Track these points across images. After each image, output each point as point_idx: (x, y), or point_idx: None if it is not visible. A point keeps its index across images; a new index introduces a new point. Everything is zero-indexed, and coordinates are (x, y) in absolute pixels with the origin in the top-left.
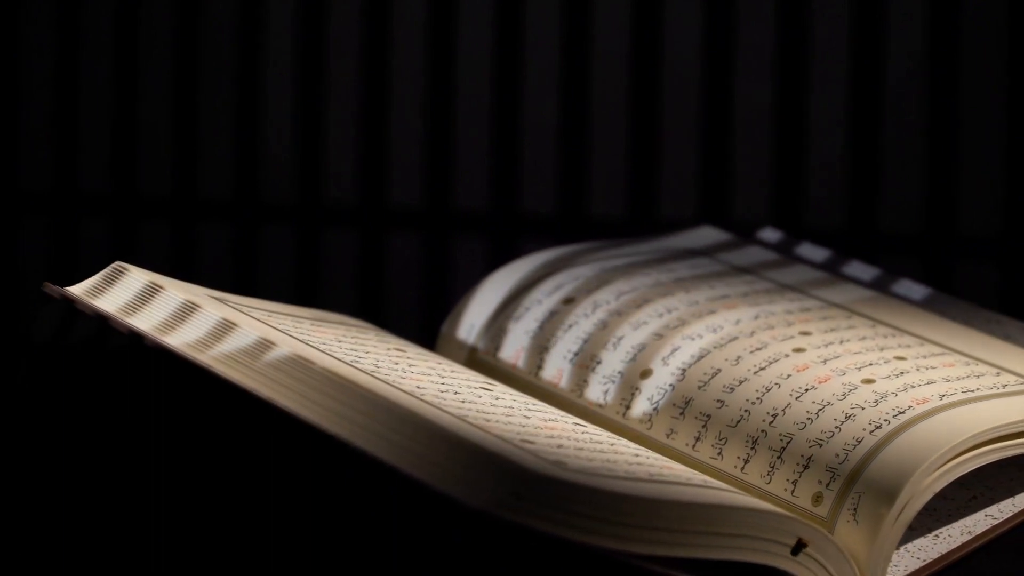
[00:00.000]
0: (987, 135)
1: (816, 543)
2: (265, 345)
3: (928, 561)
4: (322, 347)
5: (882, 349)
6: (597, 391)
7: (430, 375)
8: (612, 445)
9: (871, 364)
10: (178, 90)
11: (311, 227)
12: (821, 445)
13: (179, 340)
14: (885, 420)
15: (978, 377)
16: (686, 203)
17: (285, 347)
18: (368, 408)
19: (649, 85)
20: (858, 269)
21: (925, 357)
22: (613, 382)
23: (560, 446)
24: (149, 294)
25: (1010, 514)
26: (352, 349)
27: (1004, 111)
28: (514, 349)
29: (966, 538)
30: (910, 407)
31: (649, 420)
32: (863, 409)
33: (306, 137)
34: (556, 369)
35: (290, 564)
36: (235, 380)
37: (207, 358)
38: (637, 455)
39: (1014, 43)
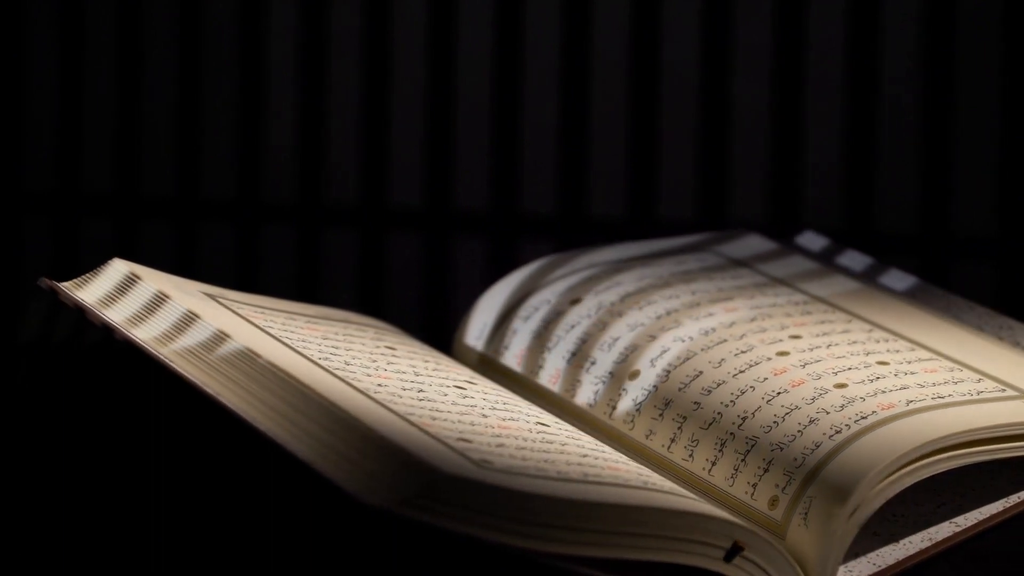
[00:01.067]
0: (982, 136)
1: (756, 547)
2: (220, 338)
3: (883, 567)
4: (297, 343)
5: (867, 354)
6: (588, 392)
7: (405, 373)
8: (563, 446)
9: (850, 369)
10: (181, 91)
11: (312, 227)
12: (782, 449)
13: (146, 333)
14: (846, 425)
15: (956, 383)
16: (684, 204)
17: (239, 340)
18: (300, 402)
19: (648, 87)
20: (896, 279)
21: (909, 363)
22: (604, 383)
23: (500, 445)
24: (127, 286)
25: (974, 522)
26: (333, 346)
27: (999, 113)
28: (519, 350)
29: (926, 544)
30: (873, 412)
31: (632, 421)
32: (828, 414)
33: (307, 138)
34: (555, 369)
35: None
36: (180, 370)
37: (167, 350)
38: (585, 456)
39: (1008, 45)
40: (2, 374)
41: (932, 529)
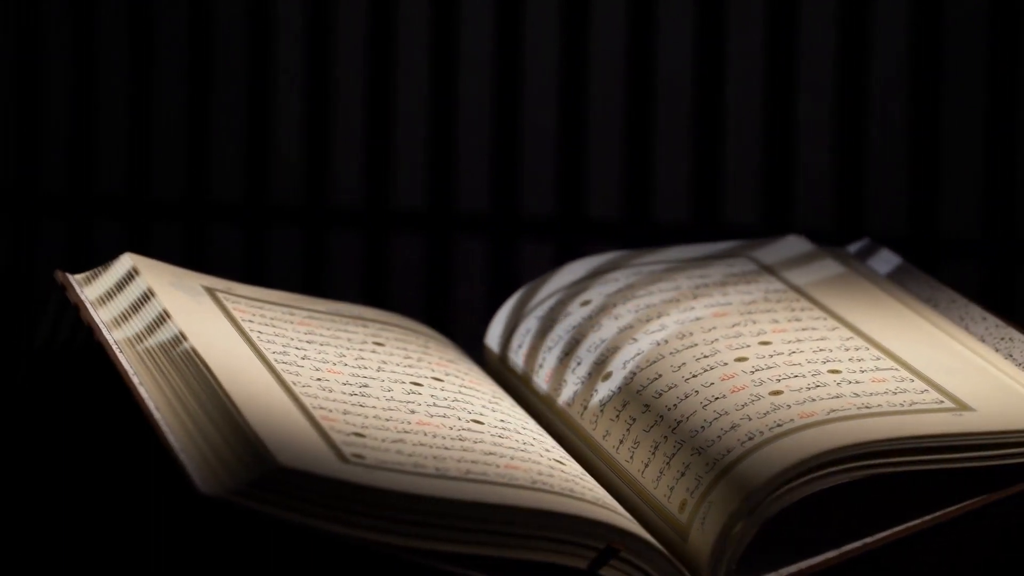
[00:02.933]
0: (968, 141)
1: (636, 550)
2: (162, 320)
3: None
4: (266, 337)
5: (825, 362)
6: (569, 392)
7: (364, 370)
8: (476, 444)
9: (795, 376)
10: (191, 97)
11: (318, 228)
12: (700, 453)
13: (123, 332)
14: (760, 432)
15: (897, 394)
16: (679, 206)
17: (175, 326)
18: (204, 392)
19: (644, 92)
20: (945, 296)
21: (863, 372)
22: (582, 383)
23: (398, 441)
24: (127, 281)
25: (880, 536)
26: (307, 342)
27: (984, 118)
28: (524, 350)
29: (832, 554)
30: (791, 420)
31: (595, 421)
32: (750, 420)
33: (313, 142)
34: (549, 369)
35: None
36: (119, 361)
37: (125, 346)
38: (491, 454)
39: (993, 54)
40: (12, 374)
41: (848, 540)
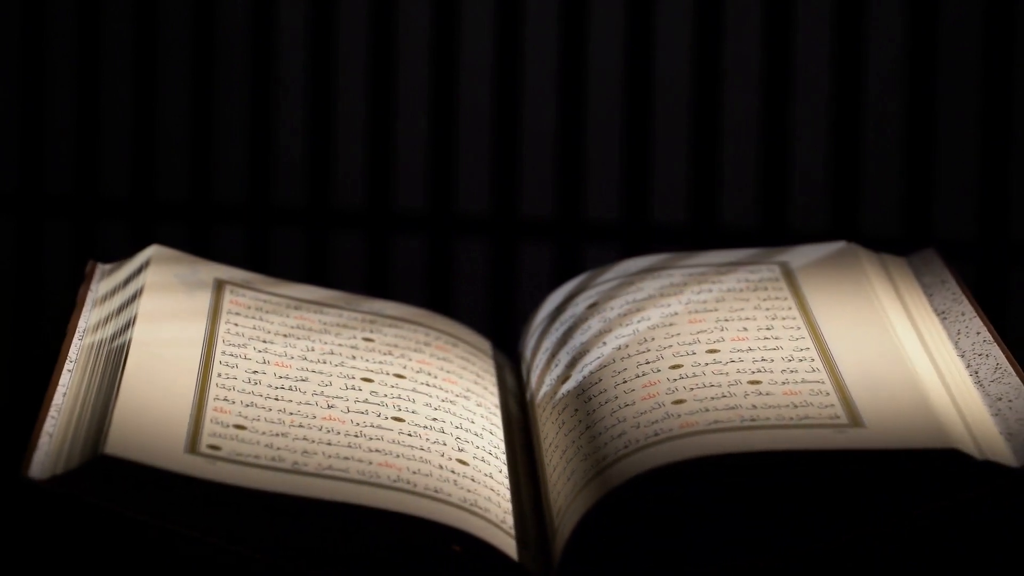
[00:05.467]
0: (963, 143)
1: (479, 553)
2: (126, 313)
3: None
4: (229, 325)
5: (755, 372)
6: (541, 393)
7: (323, 364)
8: (369, 440)
9: (711, 386)
10: (195, 100)
11: (320, 229)
12: (585, 460)
13: (98, 334)
14: (637, 440)
15: (797, 407)
16: (677, 207)
17: (127, 319)
18: (108, 377)
19: (642, 95)
20: (958, 309)
21: (783, 383)
22: (550, 386)
23: (280, 435)
24: (135, 275)
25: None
26: (283, 335)
27: (979, 121)
28: (529, 351)
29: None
30: (671, 430)
31: (545, 422)
32: (637, 428)
33: (316, 144)
34: (539, 370)
35: None
36: (66, 345)
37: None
38: (376, 451)
39: (987, 61)
40: (24, 378)
41: None
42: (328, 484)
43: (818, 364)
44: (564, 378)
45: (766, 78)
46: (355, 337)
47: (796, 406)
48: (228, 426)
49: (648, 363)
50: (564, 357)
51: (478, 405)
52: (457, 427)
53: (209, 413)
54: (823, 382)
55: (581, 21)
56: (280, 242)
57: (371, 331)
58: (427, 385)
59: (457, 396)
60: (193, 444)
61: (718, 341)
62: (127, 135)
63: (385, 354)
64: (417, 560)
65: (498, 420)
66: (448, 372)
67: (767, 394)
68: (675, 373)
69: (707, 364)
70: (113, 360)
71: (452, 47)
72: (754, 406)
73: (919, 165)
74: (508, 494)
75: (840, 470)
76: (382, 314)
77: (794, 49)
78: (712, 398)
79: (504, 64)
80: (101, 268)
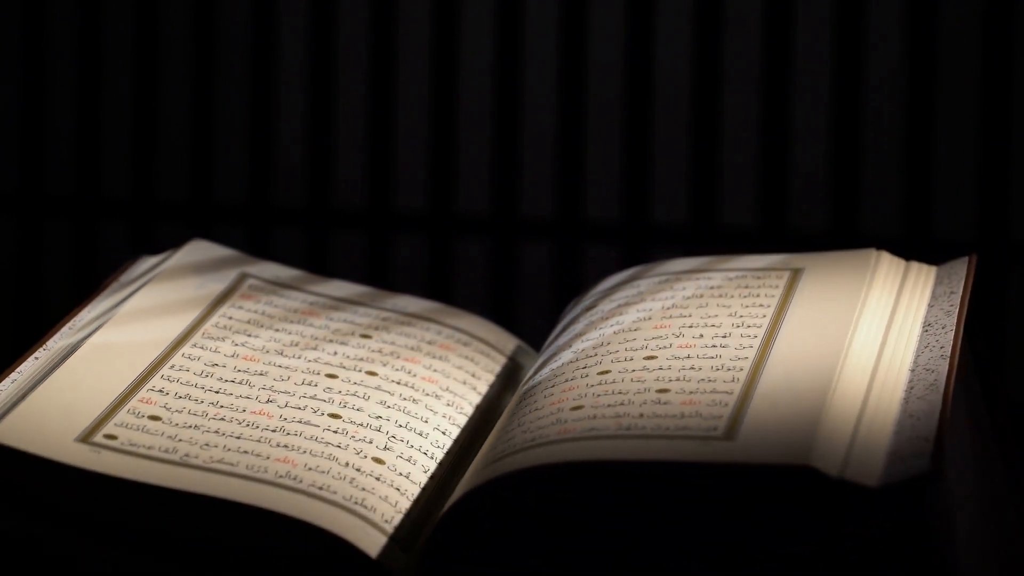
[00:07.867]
0: (962, 143)
1: (346, 556)
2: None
3: None
4: (224, 318)
5: (672, 379)
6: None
7: (296, 360)
8: (287, 436)
9: (617, 392)
10: (195, 100)
11: (320, 229)
12: (478, 461)
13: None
14: (515, 446)
15: (683, 417)
16: (677, 207)
17: (107, 306)
18: (51, 365)
19: (642, 95)
20: (951, 321)
21: (690, 393)
22: (526, 385)
23: (191, 427)
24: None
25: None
26: (275, 332)
27: (978, 122)
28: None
29: None
30: (548, 435)
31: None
32: (524, 433)
33: (316, 145)
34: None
35: None
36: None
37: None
38: (282, 446)
39: (986, 62)
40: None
41: None
42: (205, 477)
43: (743, 375)
44: (527, 380)
45: (766, 78)
46: (353, 334)
47: (684, 416)
48: (142, 416)
49: (584, 368)
50: (542, 357)
51: (447, 405)
52: (401, 426)
53: (130, 404)
54: (731, 393)
55: (581, 21)
56: (280, 242)
57: (375, 328)
58: (396, 383)
59: (426, 395)
60: (89, 434)
61: (664, 348)
62: (127, 135)
63: (374, 351)
64: (285, 558)
65: (463, 421)
66: (434, 371)
67: (666, 403)
68: (599, 379)
69: (635, 371)
70: (63, 354)
71: (452, 47)
72: (642, 415)
73: (919, 165)
74: (417, 494)
75: (704, 484)
76: (404, 311)
77: (794, 49)
78: (609, 405)
79: (504, 64)
80: (144, 261)
